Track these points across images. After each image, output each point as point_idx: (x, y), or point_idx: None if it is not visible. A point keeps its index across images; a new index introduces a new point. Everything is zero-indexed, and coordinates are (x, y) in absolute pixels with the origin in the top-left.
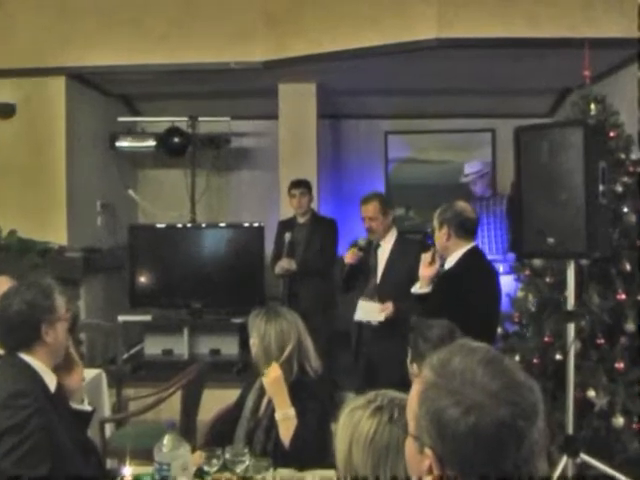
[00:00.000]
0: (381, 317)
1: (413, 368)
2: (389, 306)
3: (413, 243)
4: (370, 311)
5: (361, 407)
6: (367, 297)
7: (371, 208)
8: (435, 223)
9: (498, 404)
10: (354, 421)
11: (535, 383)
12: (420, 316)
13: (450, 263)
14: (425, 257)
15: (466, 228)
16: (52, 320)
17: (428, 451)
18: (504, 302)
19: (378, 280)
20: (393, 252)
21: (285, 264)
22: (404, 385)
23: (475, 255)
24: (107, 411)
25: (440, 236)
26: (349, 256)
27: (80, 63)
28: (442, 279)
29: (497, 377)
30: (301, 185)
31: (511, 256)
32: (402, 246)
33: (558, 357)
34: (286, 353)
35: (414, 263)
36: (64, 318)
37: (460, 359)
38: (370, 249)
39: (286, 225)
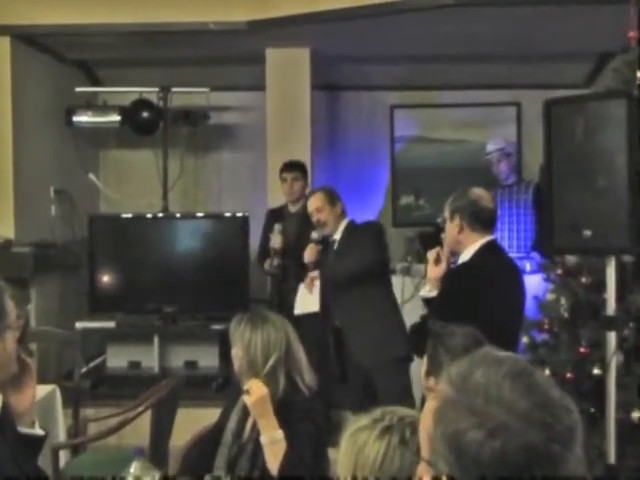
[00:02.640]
0: (315, 306)
1: (429, 381)
2: (312, 276)
3: (361, 227)
4: (306, 299)
5: (366, 428)
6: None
7: (316, 199)
8: (446, 213)
9: (528, 426)
10: (359, 444)
11: (572, 402)
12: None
13: (463, 259)
14: (430, 256)
15: (481, 219)
16: (1, 328)
17: None
18: (531, 306)
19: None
20: (340, 241)
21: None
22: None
23: (492, 249)
24: (62, 435)
25: (451, 228)
26: (309, 254)
27: (29, 21)
28: (452, 275)
29: (527, 394)
30: (294, 168)
31: (536, 254)
32: (351, 232)
33: (596, 372)
34: (269, 364)
35: (365, 247)
36: (15, 326)
37: (483, 372)
38: (326, 243)
39: (276, 214)
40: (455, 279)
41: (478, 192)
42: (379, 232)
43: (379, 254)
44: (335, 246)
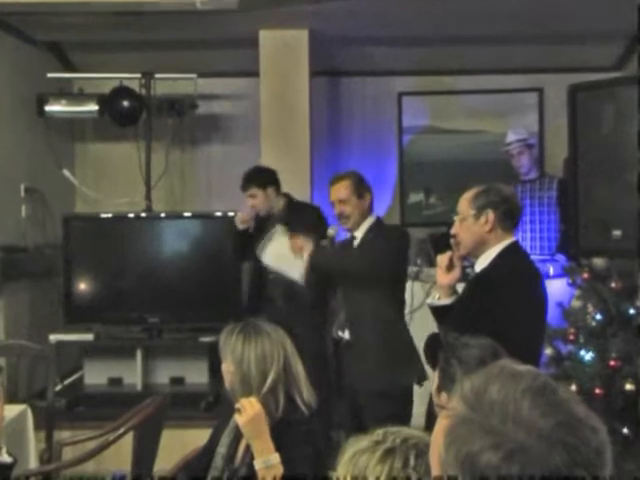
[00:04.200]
0: (297, 273)
1: (441, 397)
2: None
3: (392, 229)
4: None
5: (366, 450)
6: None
7: (342, 188)
8: (467, 209)
9: (550, 448)
10: (359, 468)
11: (599, 421)
12: (442, 328)
13: (483, 263)
14: (441, 261)
15: (513, 218)
16: None
17: None
18: (556, 314)
19: None
20: (362, 241)
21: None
22: (391, 419)
23: (516, 253)
24: (33, 461)
25: (477, 226)
26: None
27: None
28: (475, 283)
29: (548, 412)
30: (247, 183)
31: (562, 256)
32: (373, 233)
33: (628, 387)
34: (269, 382)
35: (390, 251)
36: None
37: (500, 387)
38: (347, 239)
39: (261, 217)
40: (482, 284)
41: (508, 189)
42: (406, 243)
43: (401, 262)
44: (356, 244)
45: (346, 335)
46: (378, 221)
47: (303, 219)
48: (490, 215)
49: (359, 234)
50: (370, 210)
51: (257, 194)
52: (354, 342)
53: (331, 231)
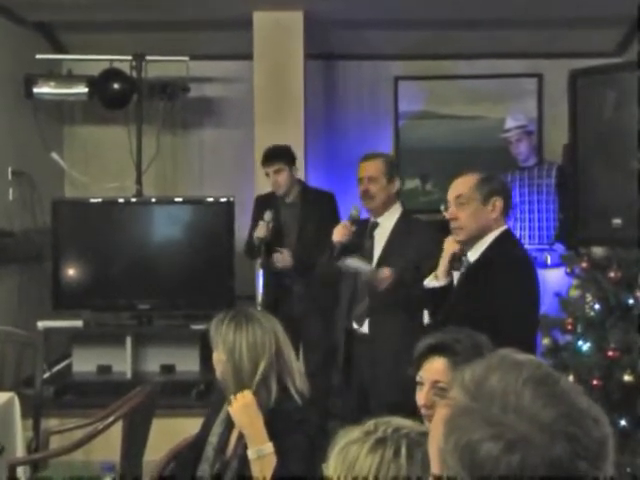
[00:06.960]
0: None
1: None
2: (387, 273)
3: (423, 224)
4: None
5: (357, 441)
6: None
7: (373, 165)
8: (473, 194)
9: (552, 439)
10: (349, 459)
11: (602, 413)
12: (437, 319)
13: (477, 251)
14: (449, 245)
15: (510, 205)
16: None
17: None
18: (553, 304)
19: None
20: (394, 233)
21: (282, 259)
22: (402, 410)
23: (511, 240)
24: (20, 450)
25: (485, 212)
26: (339, 232)
27: None
28: (471, 270)
29: (550, 402)
30: (274, 159)
31: (560, 245)
32: (407, 226)
33: (627, 378)
34: (260, 370)
35: (424, 249)
36: None
37: (500, 377)
38: (365, 224)
39: (267, 201)
40: (479, 271)
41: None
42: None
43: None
44: (385, 235)
45: (364, 328)
46: (407, 213)
47: (319, 208)
48: (498, 203)
49: (385, 223)
50: (397, 198)
51: (284, 170)
52: (373, 336)
53: (354, 211)
